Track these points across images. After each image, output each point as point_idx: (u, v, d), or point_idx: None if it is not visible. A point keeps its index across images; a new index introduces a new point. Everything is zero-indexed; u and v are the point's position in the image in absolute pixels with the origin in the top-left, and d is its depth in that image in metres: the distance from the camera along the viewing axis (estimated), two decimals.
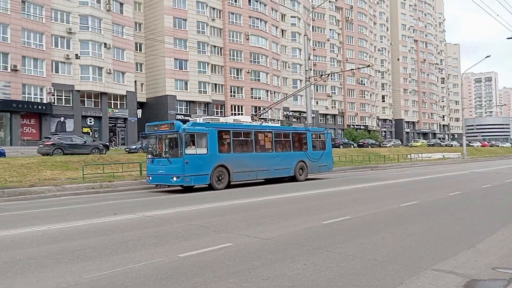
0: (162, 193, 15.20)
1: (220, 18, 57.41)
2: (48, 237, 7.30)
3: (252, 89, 59.40)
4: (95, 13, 42.86)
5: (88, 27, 42.30)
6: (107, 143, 33.59)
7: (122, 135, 46.69)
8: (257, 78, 60.16)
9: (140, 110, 49.52)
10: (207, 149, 15.51)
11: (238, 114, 57.79)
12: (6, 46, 36.47)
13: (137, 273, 4.97)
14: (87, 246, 6.44)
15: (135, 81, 49.22)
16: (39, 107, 38.55)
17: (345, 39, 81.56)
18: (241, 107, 58.47)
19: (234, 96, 58.05)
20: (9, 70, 36.60)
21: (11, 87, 36.77)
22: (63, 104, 41.50)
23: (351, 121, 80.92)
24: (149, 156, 16.10)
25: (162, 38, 49.22)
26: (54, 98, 40.43)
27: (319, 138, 21.72)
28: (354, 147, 52.70)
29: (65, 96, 41.73)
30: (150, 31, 50.73)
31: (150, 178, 15.77)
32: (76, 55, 41.67)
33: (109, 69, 43.80)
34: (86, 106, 43.23)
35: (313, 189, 15.62)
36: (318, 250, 5.96)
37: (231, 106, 57.53)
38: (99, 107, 44.11)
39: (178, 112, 51.31)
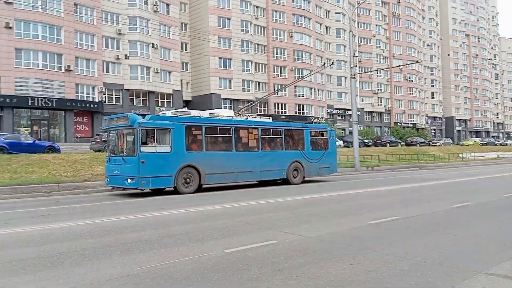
0: (205, 191, 15.43)
1: (263, 16, 57.52)
2: (102, 229, 7.64)
3: (295, 86, 59.10)
4: (143, 14, 44.18)
5: (136, 27, 43.67)
6: None
7: None
8: (300, 75, 59.75)
9: (186, 108, 50.58)
10: (171, 147, 13.47)
11: (282, 112, 57.75)
12: (60, 48, 38.33)
13: (184, 267, 5.10)
14: (137, 239, 6.68)
15: (181, 80, 50.32)
16: (91, 105, 40.27)
17: (392, 35, 79.31)
18: (285, 105, 58.37)
19: (277, 94, 58.04)
20: (63, 70, 38.45)
21: (65, 86, 38.64)
22: (113, 103, 43.11)
23: (398, 119, 78.63)
24: (107, 154, 14.40)
25: (206, 38, 50.00)
26: (105, 96, 42.11)
27: (320, 136, 19.07)
28: (401, 146, 51.23)
29: (115, 95, 43.36)
30: (195, 31, 51.67)
31: (108, 179, 14.10)
32: (126, 55, 43.16)
33: (157, 68, 45.04)
34: (134, 104, 44.69)
35: (339, 190, 15.33)
36: (364, 250, 5.86)
37: (275, 104, 57.54)
38: (147, 105, 45.48)
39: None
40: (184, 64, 53.10)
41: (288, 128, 17.73)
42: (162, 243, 6.40)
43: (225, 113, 16.97)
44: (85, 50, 40.44)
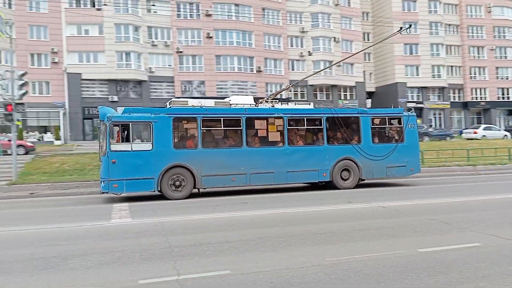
0: (371, 186, 14.81)
1: None
2: (291, 219, 8.09)
3: (497, 68, 51.67)
4: (325, 10, 44.93)
5: (318, 24, 44.74)
6: None
7: None
8: (503, 55, 51.95)
9: (370, 99, 49.54)
10: (153, 144, 11.51)
11: (480, 98, 51.31)
12: (252, 51, 42.00)
13: (375, 262, 5.00)
14: (327, 230, 6.86)
15: (364, 71, 49.43)
16: (279, 102, 42.95)
17: None
18: (484, 89, 51.62)
19: (474, 78, 51.70)
20: (254, 72, 42.13)
21: (257, 86, 42.28)
22: (299, 98, 45.09)
23: None
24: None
25: (390, 24, 47.74)
26: (291, 93, 44.42)
27: (391, 124, 14.57)
28: None
29: (300, 91, 45.36)
30: (377, 19, 49.97)
31: None
32: (309, 52, 44.68)
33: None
34: (318, 98, 45.89)
35: None
36: None
37: (471, 89, 51.43)
38: (330, 99, 46.19)
39: (409, 100, 48.99)
40: (367, 54, 51.94)
41: (332, 115, 13.61)
42: (350, 236, 6.42)
43: (242, 100, 13.80)
44: (273, 51, 43.36)
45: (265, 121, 12.99)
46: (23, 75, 15.89)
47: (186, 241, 6.37)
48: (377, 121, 14.30)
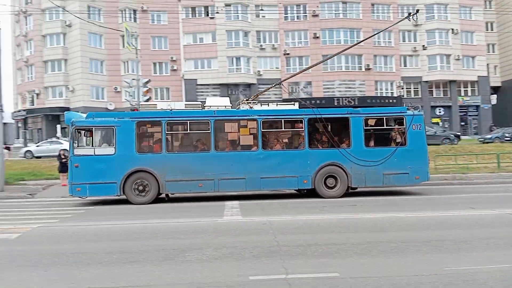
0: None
1: None
2: (403, 224, 7.72)
3: None
4: (441, 0, 41.77)
5: (434, 15, 41.78)
6: (458, 133, 32.44)
7: (474, 124, 43.65)
8: None
9: (495, 95, 44.79)
10: (115, 148, 11.49)
11: None
12: (360, 48, 40.58)
13: (501, 274, 4.59)
14: (444, 238, 6.40)
15: (487, 64, 44.85)
16: (390, 101, 41.05)
17: None
18: None
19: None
20: (363, 70, 40.87)
21: (365, 84, 40.98)
22: (412, 96, 42.58)
23: None
24: None
25: None
26: (403, 91, 42.16)
27: (390, 125, 12.74)
28: None
29: (413, 88, 42.80)
30: (502, 6, 44.97)
31: None
32: (423, 46, 41.95)
33: (458, 55, 41.78)
34: (434, 96, 42.90)
35: None
36: None
37: None
38: (448, 96, 42.81)
39: None
40: (490, 46, 47.05)
41: (315, 116, 12.18)
42: (472, 245, 5.93)
43: (217, 102, 12.95)
44: (383, 48, 41.63)
45: (236, 123, 12.33)
46: (147, 82, 17.55)
47: (294, 241, 6.43)
48: (371, 122, 12.70)
